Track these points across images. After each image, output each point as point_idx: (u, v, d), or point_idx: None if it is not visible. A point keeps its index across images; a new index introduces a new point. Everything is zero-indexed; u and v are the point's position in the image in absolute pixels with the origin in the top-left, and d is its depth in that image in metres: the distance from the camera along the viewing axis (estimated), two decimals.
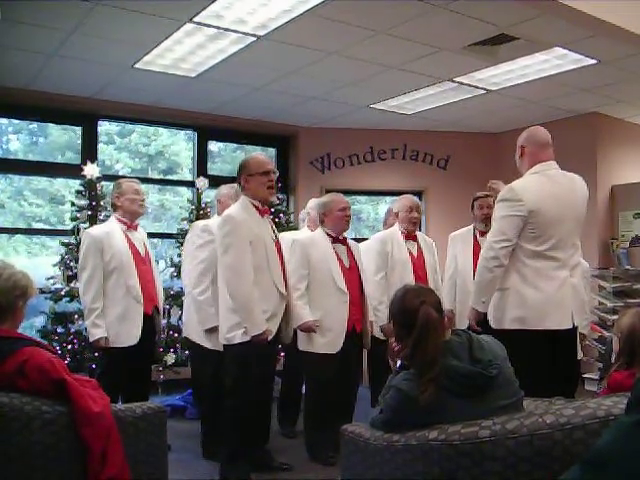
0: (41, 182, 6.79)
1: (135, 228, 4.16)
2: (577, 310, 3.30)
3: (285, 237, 4.47)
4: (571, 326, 3.24)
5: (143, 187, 4.32)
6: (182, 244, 5.76)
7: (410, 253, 4.56)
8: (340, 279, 4.01)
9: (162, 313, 4.38)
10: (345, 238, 4.20)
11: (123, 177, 4.86)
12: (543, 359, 3.17)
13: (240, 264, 3.40)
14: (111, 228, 4.03)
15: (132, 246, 4.03)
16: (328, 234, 4.11)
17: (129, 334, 3.89)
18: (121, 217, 4.09)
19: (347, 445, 2.22)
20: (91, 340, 3.90)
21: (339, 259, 4.07)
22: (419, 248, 4.64)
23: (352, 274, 4.10)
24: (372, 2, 4.09)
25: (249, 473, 3.51)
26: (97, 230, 4.06)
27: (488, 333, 2.61)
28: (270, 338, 3.45)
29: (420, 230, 7.09)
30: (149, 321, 4.03)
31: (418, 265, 4.56)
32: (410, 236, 4.62)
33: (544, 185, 3.24)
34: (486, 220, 4.56)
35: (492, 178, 6.92)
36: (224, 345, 3.53)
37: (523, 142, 3.36)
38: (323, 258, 4.02)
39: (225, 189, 4.36)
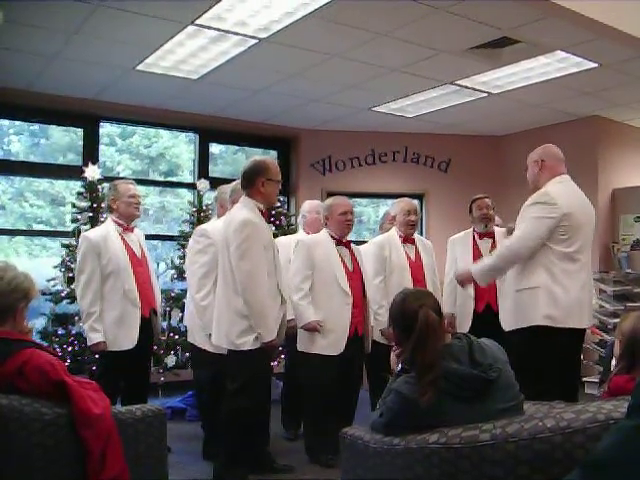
0: (42, 184, 6.79)
1: (131, 230, 4.15)
2: (590, 312, 3.56)
3: (283, 241, 4.49)
4: (588, 326, 3.52)
5: (144, 189, 4.32)
6: (183, 246, 5.78)
7: (408, 256, 4.53)
8: (344, 281, 4.00)
9: (161, 315, 4.36)
10: (349, 241, 4.20)
11: (122, 179, 4.85)
12: (564, 356, 3.37)
13: (257, 270, 3.36)
14: (107, 231, 4.02)
15: (128, 249, 4.03)
16: (332, 236, 4.12)
17: (127, 337, 3.89)
18: (117, 219, 4.09)
19: (347, 448, 2.22)
20: (89, 344, 3.91)
21: (342, 262, 4.07)
22: (417, 251, 4.61)
23: (355, 277, 4.10)
24: (374, 4, 4.09)
25: (247, 475, 3.50)
26: (94, 234, 4.04)
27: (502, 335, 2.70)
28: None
29: (421, 233, 7.09)
30: (147, 324, 4.03)
31: (416, 268, 4.53)
32: (408, 239, 4.59)
33: (572, 193, 3.50)
34: (485, 220, 4.59)
35: (493, 181, 6.93)
36: (230, 350, 3.46)
37: (542, 156, 3.58)
38: (327, 259, 4.02)
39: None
